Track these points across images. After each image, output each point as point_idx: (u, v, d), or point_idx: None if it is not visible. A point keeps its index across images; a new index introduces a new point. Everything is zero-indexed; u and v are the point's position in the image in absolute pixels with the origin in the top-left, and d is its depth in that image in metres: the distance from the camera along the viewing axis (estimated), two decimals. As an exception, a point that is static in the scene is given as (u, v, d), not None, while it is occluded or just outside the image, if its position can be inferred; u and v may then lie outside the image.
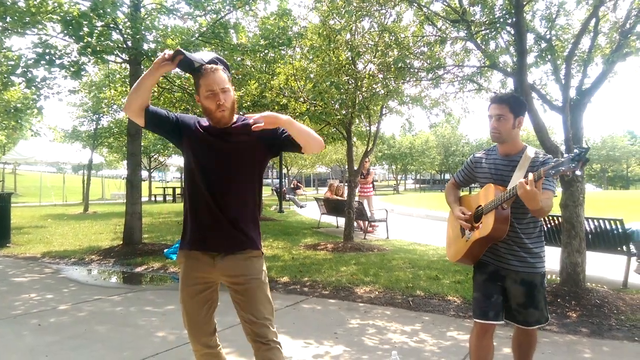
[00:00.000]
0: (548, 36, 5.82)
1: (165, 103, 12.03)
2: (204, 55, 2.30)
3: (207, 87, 2.21)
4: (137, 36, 7.42)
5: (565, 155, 2.23)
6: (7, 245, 9.17)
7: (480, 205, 2.65)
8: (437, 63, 6.74)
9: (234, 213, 2.28)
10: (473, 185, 3.08)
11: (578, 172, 2.16)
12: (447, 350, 3.79)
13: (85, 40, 6.99)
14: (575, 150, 2.15)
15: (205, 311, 2.35)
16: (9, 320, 4.56)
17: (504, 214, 2.49)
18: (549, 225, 6.58)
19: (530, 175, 2.30)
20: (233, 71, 10.18)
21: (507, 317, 2.68)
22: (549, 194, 2.49)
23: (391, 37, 7.21)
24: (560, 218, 5.56)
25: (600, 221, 6.04)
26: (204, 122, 2.36)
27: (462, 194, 3.02)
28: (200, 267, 2.31)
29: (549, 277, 6.14)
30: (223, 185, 2.27)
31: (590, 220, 6.02)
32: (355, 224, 10.27)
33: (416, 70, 7.06)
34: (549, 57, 5.65)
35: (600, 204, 17.47)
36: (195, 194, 2.31)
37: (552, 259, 5.53)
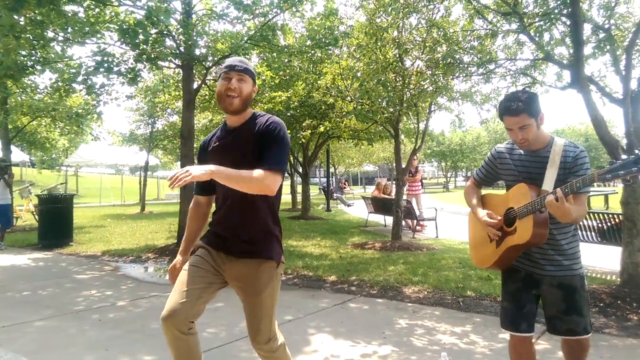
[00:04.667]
0: (607, 25, 5.55)
1: (217, 106, 12.33)
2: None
3: (225, 73, 2.28)
4: (189, 42, 7.64)
5: (624, 156, 2.01)
6: (70, 244, 9.68)
7: (512, 208, 2.42)
8: (487, 57, 6.57)
9: (242, 218, 2.27)
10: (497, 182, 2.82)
11: (630, 182, 2.03)
12: (499, 353, 3.68)
13: (140, 48, 7.28)
14: (637, 152, 1.96)
15: (197, 293, 2.19)
16: (72, 315, 4.82)
17: (543, 218, 2.27)
18: (608, 224, 6.28)
19: (559, 191, 2.13)
20: (281, 72, 10.31)
21: (549, 329, 2.45)
22: (583, 199, 2.30)
23: (439, 33, 7.09)
24: (620, 216, 5.29)
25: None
26: (225, 125, 2.42)
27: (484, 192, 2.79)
28: (214, 259, 2.32)
29: (609, 277, 5.84)
30: (227, 187, 2.15)
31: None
32: (403, 222, 10.16)
33: (466, 66, 6.90)
34: (608, 47, 5.39)
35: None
36: (217, 197, 2.40)
37: (612, 259, 5.27)
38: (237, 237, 2.28)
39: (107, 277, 6.83)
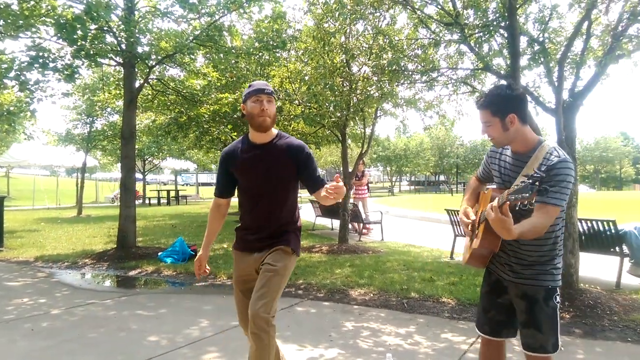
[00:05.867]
0: (541, 39, 5.86)
1: (160, 106, 12.00)
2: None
3: (256, 96, 2.58)
4: (131, 39, 7.41)
5: (528, 180, 1.88)
6: (0, 249, 9.10)
7: (481, 211, 2.33)
8: (431, 65, 6.77)
9: (267, 220, 2.66)
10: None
11: (532, 202, 1.90)
12: (441, 353, 3.79)
13: (78, 44, 6.96)
14: (534, 175, 1.86)
15: (248, 301, 2.60)
16: (2, 325, 4.53)
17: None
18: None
19: (495, 200, 1.98)
20: (227, 74, 10.18)
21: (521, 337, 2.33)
22: (547, 210, 2.08)
23: (385, 40, 7.23)
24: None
25: (594, 222, 6.08)
26: (247, 139, 2.72)
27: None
28: (248, 265, 2.71)
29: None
30: (260, 193, 2.64)
31: (583, 221, 6.05)
32: (350, 226, 10.28)
33: (410, 73, 7.08)
34: (542, 59, 5.67)
35: (593, 205, 17.57)
36: (243, 201, 2.74)
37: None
38: (265, 236, 2.67)
39: (41, 284, 6.48)
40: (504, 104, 2.21)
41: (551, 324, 2.22)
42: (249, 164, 2.65)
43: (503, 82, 5.75)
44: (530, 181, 1.83)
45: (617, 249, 5.99)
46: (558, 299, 2.27)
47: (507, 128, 2.22)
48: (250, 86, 2.66)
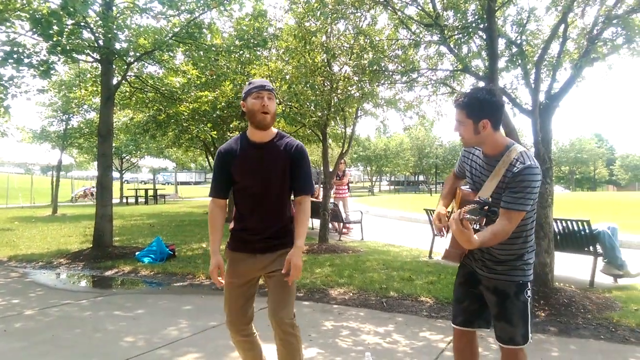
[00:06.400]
0: (519, 41, 5.94)
1: (138, 103, 11.84)
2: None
3: (257, 92, 2.53)
4: (109, 35, 7.27)
5: (479, 203, 1.97)
6: (-29, 248, 8.86)
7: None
8: (411, 66, 6.82)
9: (269, 220, 2.62)
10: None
11: (477, 227, 1.96)
12: (419, 351, 3.82)
13: (54, 39, 6.81)
14: (484, 202, 1.95)
15: (242, 302, 2.67)
16: (-28, 326, 4.41)
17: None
18: (519, 227, 6.72)
19: (457, 213, 2.02)
20: (207, 72, 10.09)
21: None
22: (511, 216, 2.16)
23: (366, 40, 7.26)
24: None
25: (568, 222, 6.20)
26: (246, 138, 2.65)
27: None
28: (245, 266, 2.66)
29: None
30: (261, 193, 2.59)
31: (558, 221, 6.17)
32: (330, 225, 10.28)
33: (390, 73, 7.11)
34: (520, 61, 5.76)
35: (568, 206, 17.93)
36: (240, 202, 2.67)
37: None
38: (268, 237, 2.63)
39: (14, 284, 6.33)
40: (480, 109, 2.27)
41: (522, 318, 2.33)
42: (249, 164, 2.59)
43: (482, 83, 5.83)
44: (478, 207, 1.91)
45: (591, 248, 6.12)
46: (529, 293, 2.37)
47: (478, 132, 2.28)
48: (250, 83, 2.61)
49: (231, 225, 2.74)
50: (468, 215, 1.95)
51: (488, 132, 2.28)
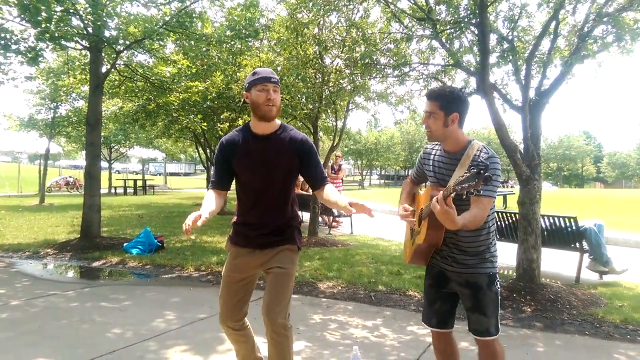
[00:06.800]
0: (510, 37, 5.95)
1: (127, 92, 11.70)
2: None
3: (262, 85, 2.46)
4: (98, 23, 7.17)
5: (472, 169, 1.98)
6: (-44, 237, 8.75)
7: (422, 208, 2.46)
8: (403, 60, 6.80)
9: (270, 217, 2.58)
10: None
11: (479, 191, 1.97)
12: (407, 345, 3.84)
13: (43, 26, 6.70)
14: (479, 164, 1.98)
15: (238, 299, 2.65)
16: (-44, 316, 4.36)
17: (437, 220, 2.22)
18: (506, 222, 6.78)
19: (440, 193, 2.09)
20: (198, 62, 10.00)
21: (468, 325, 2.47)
22: (483, 203, 2.24)
23: (358, 33, 7.22)
24: (517, 215, 5.73)
25: (556, 219, 6.26)
26: (249, 129, 2.59)
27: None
28: (246, 261, 2.62)
29: (505, 272, 6.31)
30: (263, 188, 2.55)
31: (545, 217, 6.22)
32: (320, 219, 10.29)
33: (382, 67, 7.09)
34: (511, 57, 5.77)
35: (555, 202, 18.10)
36: (242, 196, 2.63)
37: (508, 255, 5.70)
38: (269, 233, 2.59)
39: (0, 274, 6.26)
40: (452, 102, 2.36)
41: (494, 308, 2.40)
42: (251, 157, 2.53)
43: (473, 78, 5.84)
44: (475, 170, 1.94)
45: (577, 245, 6.18)
46: (498, 284, 2.45)
47: (447, 125, 2.37)
48: (254, 73, 2.52)
49: (234, 218, 2.71)
50: (460, 186, 1.95)
51: (455, 126, 2.38)
